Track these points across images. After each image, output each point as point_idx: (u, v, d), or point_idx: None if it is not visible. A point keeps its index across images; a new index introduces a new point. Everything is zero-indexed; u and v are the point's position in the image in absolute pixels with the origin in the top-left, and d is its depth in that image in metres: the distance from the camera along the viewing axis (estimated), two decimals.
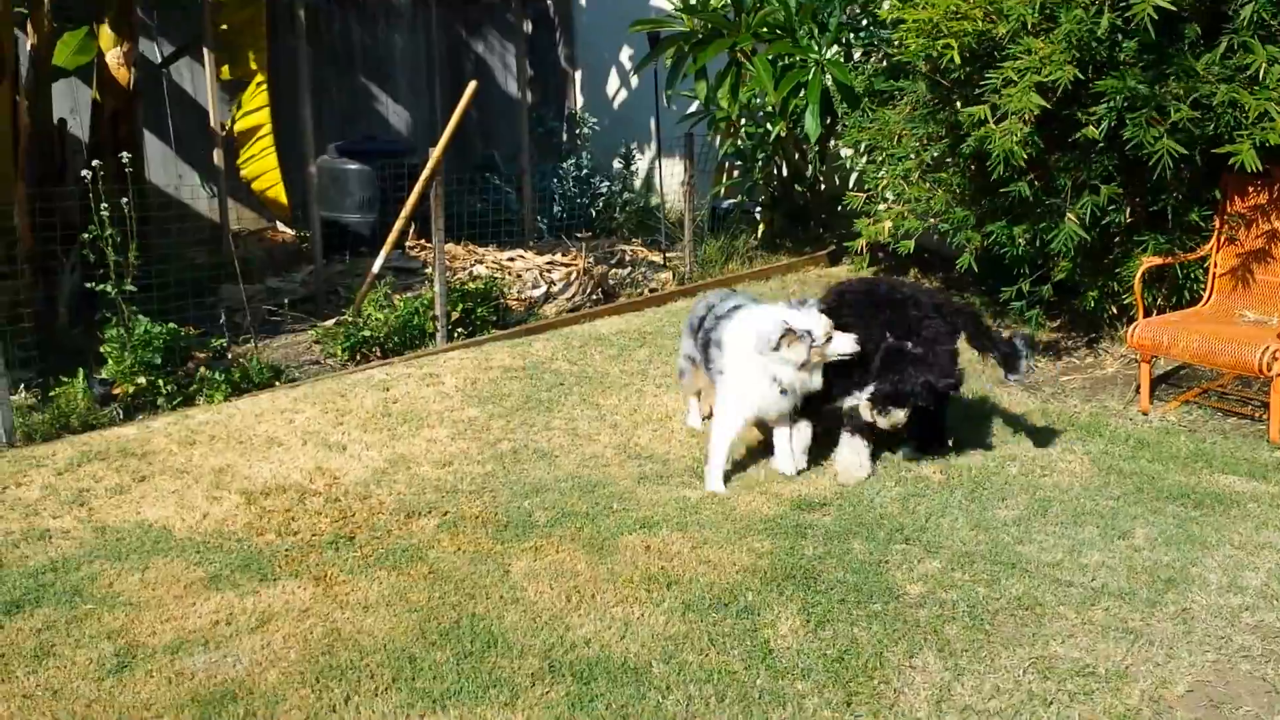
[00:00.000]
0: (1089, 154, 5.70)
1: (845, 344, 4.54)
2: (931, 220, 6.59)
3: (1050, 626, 3.59)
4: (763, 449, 5.00)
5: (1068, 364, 6.18)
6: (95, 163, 5.68)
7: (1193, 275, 5.80)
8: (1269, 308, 5.30)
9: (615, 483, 4.71)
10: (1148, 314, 5.54)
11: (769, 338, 4.46)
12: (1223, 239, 5.61)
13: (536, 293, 7.77)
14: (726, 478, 4.72)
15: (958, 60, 5.42)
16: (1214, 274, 5.63)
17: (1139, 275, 5.48)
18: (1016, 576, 3.88)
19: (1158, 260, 5.60)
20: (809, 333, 4.47)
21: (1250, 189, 5.50)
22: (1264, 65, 4.84)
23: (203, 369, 5.87)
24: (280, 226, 9.38)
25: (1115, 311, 6.24)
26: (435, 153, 6.64)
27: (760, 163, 8.80)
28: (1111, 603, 3.71)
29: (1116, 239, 6.06)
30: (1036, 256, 6.19)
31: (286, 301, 7.31)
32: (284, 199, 8.00)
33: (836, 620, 3.62)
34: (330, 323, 6.82)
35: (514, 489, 4.65)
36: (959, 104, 6.13)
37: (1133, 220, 5.99)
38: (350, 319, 6.64)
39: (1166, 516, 4.26)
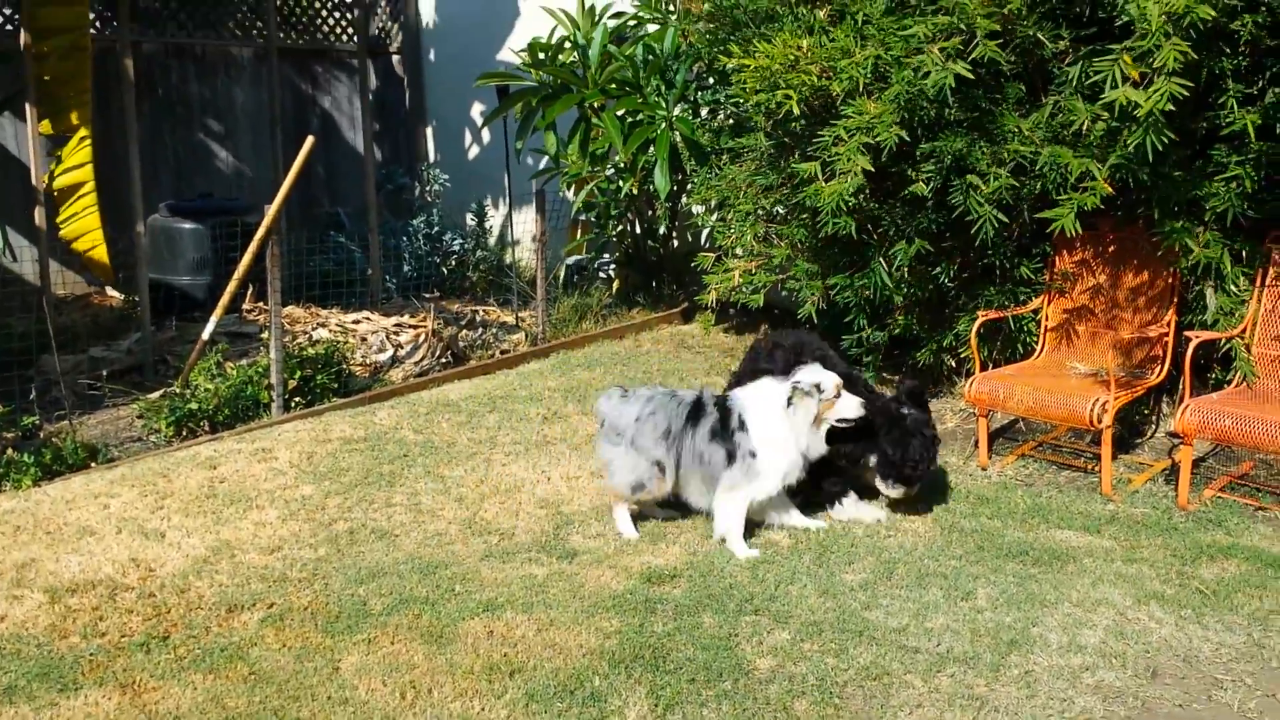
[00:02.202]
0: (918, 210, 5.84)
1: (851, 408, 4.59)
2: (778, 275, 6.64)
3: (898, 696, 3.54)
4: (612, 517, 4.88)
5: None
6: None
7: (1026, 328, 5.97)
8: (1097, 360, 5.47)
9: (459, 562, 4.51)
10: (984, 367, 5.66)
11: (782, 396, 4.55)
12: (1053, 293, 5.79)
13: (382, 357, 7.51)
14: (575, 551, 4.58)
15: (796, 111, 5.49)
16: (1045, 328, 5.80)
17: (974, 329, 5.60)
18: (864, 644, 3.83)
19: (992, 314, 5.73)
20: (817, 386, 4.53)
21: (1076, 245, 5.70)
22: (1086, 122, 5.02)
23: (9, 451, 5.43)
24: (109, 290, 8.87)
25: (953, 364, 6.37)
26: (271, 210, 6.36)
27: (613, 219, 8.77)
28: (957, 669, 3.69)
29: (952, 293, 6.21)
30: (877, 309, 6.29)
31: (105, 374, 6.86)
32: (106, 259, 7.55)
33: (685, 702, 3.50)
34: (155, 395, 6.42)
35: (348, 574, 4.39)
36: (796, 157, 6.21)
37: (967, 275, 6.15)
38: (178, 390, 6.26)
39: (1007, 575, 4.30)
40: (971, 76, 5.13)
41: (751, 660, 3.75)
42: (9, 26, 8.33)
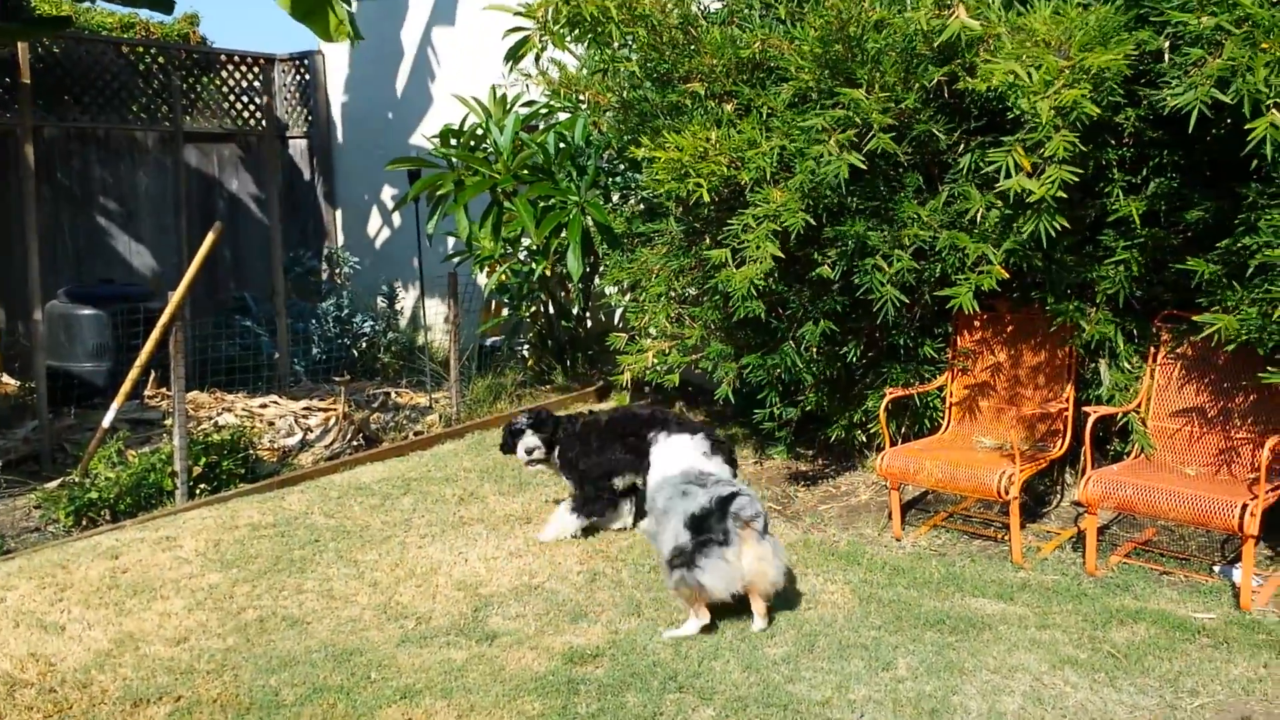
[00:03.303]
0: (824, 291, 6.01)
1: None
2: (692, 356, 6.74)
3: None
4: (532, 597, 4.83)
5: (824, 492, 6.36)
6: None
7: (932, 404, 6.14)
8: (1002, 434, 5.65)
9: (374, 649, 4.40)
10: (894, 443, 5.79)
11: None
12: (956, 371, 5.98)
13: (291, 441, 7.37)
14: (494, 633, 4.51)
15: (706, 199, 5.64)
16: (950, 403, 5.98)
17: (883, 406, 5.74)
18: (789, 719, 3.83)
19: (899, 391, 5.89)
20: None
21: (976, 324, 5.92)
22: (981, 210, 5.26)
23: None
24: (4, 378, 8.57)
25: (865, 439, 6.52)
26: (175, 296, 6.26)
27: (526, 300, 8.82)
28: None
29: (860, 371, 6.37)
30: (789, 387, 6.42)
31: (2, 463, 6.60)
32: None
33: None
34: (54, 485, 6.19)
35: (259, 664, 4.25)
36: (708, 241, 6.36)
37: (874, 354, 6.33)
38: (77, 479, 6.05)
39: (926, 644, 4.36)
40: (864, 167, 5.35)
41: None
42: None
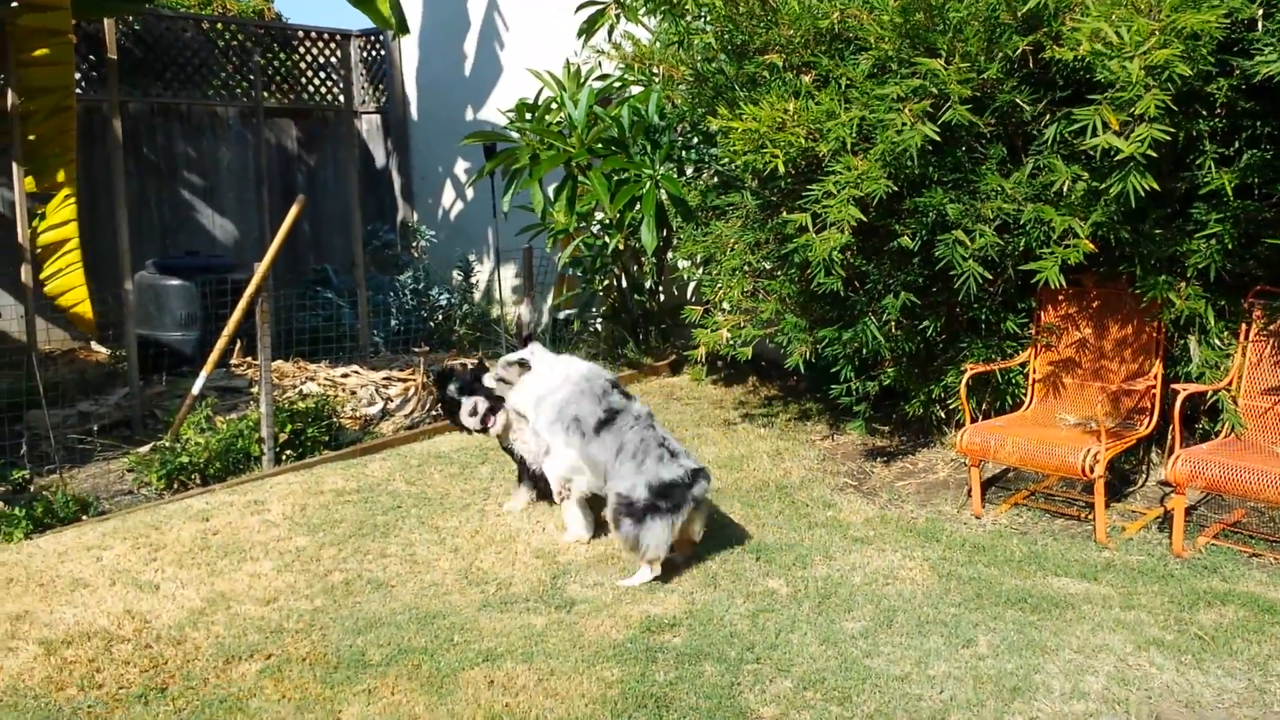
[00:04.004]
0: (904, 264, 5.95)
1: None
2: (766, 330, 6.72)
3: None
4: (608, 567, 4.88)
5: (901, 468, 6.31)
6: None
7: (1014, 380, 6.05)
8: (1086, 411, 5.55)
9: (456, 612, 4.48)
10: (974, 419, 5.72)
11: None
12: (1039, 346, 5.88)
13: (372, 410, 7.50)
14: (573, 600, 4.57)
15: (782, 170, 5.60)
16: (1033, 380, 5.89)
17: (964, 382, 5.67)
18: (868, 692, 3.84)
19: (980, 367, 5.82)
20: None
21: (1061, 299, 5.81)
22: (1067, 182, 5.15)
23: (0, 504, 5.37)
24: (95, 346, 8.84)
25: (943, 415, 6.45)
26: (261, 268, 6.40)
27: (599, 274, 8.86)
28: (961, 716, 3.70)
29: (939, 345, 6.30)
30: (866, 362, 6.37)
31: (96, 428, 6.83)
32: (90, 315, 7.54)
33: None
34: (145, 449, 6.38)
35: (345, 625, 4.36)
36: (784, 213, 6.32)
37: (954, 328, 6.25)
38: (168, 444, 6.23)
39: (1007, 622, 4.32)
40: (939, 139, 5.26)
41: (755, 709, 3.74)
42: None
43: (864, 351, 6.11)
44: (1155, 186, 4.77)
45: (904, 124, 5.22)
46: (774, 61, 6.07)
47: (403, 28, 8.56)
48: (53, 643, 4.21)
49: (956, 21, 5.41)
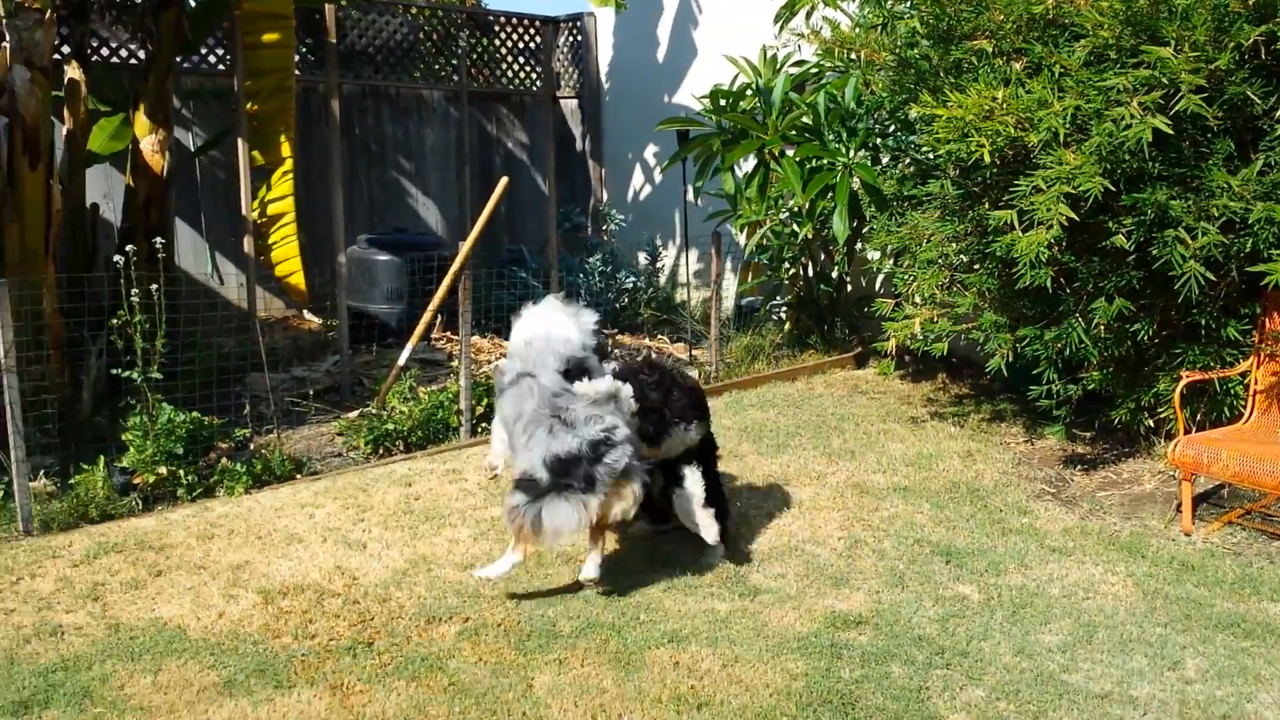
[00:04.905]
0: (1117, 264, 5.67)
1: None
2: (962, 325, 6.53)
3: None
4: (792, 558, 4.87)
5: (1104, 478, 6.04)
6: (129, 248, 5.67)
7: (1233, 391, 5.70)
8: None
9: (642, 592, 4.57)
10: (1187, 430, 5.42)
11: None
12: (1263, 355, 5.52)
13: None
14: (756, 589, 4.59)
15: (988, 160, 5.42)
16: (1254, 391, 5.53)
17: (1178, 390, 5.38)
18: (1064, 708, 3.71)
19: (1197, 375, 5.50)
20: None
21: None
22: None
23: (224, 460, 5.78)
24: (307, 315, 9.38)
25: (1153, 424, 6.13)
26: (465, 246, 6.65)
27: (786, 262, 8.80)
28: None
29: (1151, 350, 5.99)
30: (1069, 364, 6.12)
31: (312, 392, 7.26)
32: (303, 286, 8.00)
33: None
34: (354, 414, 6.75)
35: (538, 595, 4.51)
36: (987, 205, 6.13)
37: (1168, 332, 5.93)
38: (374, 411, 6.57)
39: (1217, 646, 4.10)
40: (1170, 131, 4.98)
41: (944, 715, 3.67)
42: (222, 67, 8.97)
43: (1068, 353, 5.87)
44: None
45: (1131, 117, 4.97)
46: (982, 47, 5.88)
47: (622, 2, 8.85)
48: (270, 593, 4.52)
49: (1183, 8, 5.12)
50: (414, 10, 10.46)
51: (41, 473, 5.54)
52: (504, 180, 6.97)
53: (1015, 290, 5.97)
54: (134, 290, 5.49)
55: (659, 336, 9.54)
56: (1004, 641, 4.16)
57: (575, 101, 11.69)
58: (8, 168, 5.97)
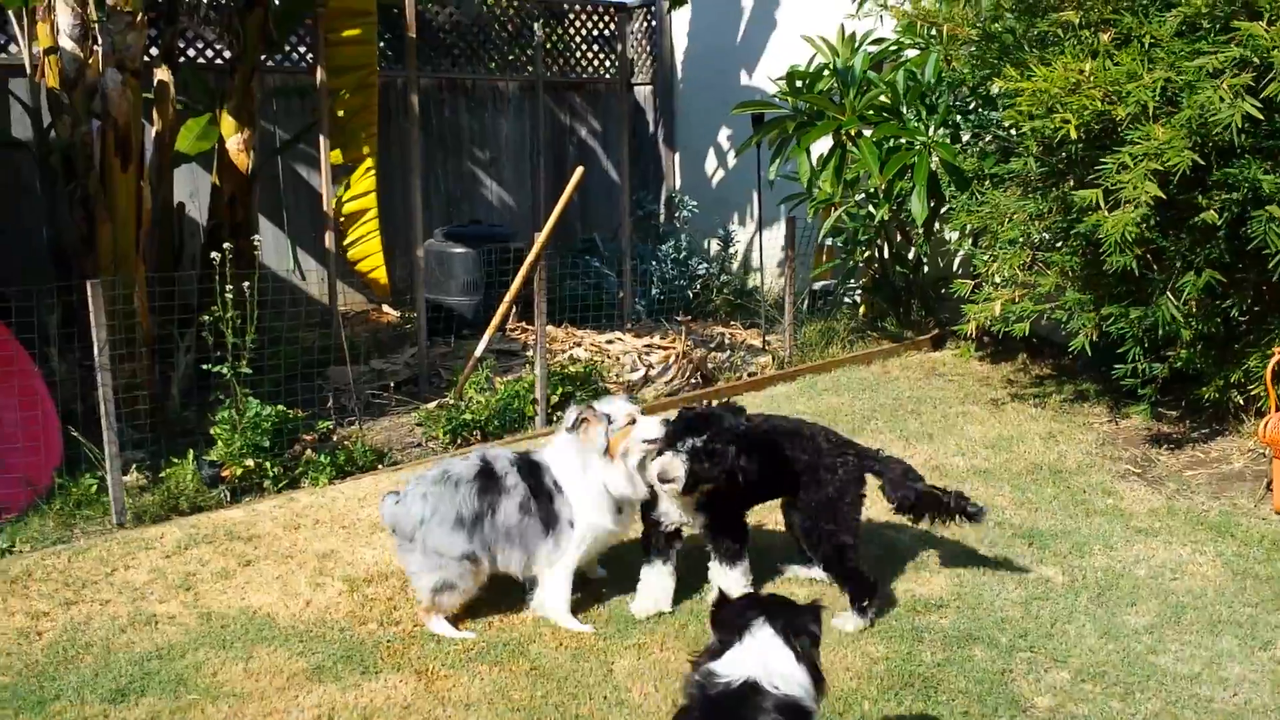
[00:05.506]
0: (1207, 239, 5.49)
1: (650, 428, 4.13)
2: (1045, 305, 6.39)
3: None
4: (869, 541, 4.83)
5: (1191, 457, 5.88)
6: (226, 245, 5.83)
7: None
8: None
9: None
10: (1278, 408, 5.25)
11: (567, 421, 4.23)
12: None
13: (635, 376, 7.73)
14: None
15: (1074, 135, 5.28)
16: None
17: (1270, 366, 5.21)
18: (1152, 690, 3.64)
19: None
20: (606, 416, 4.16)
21: None
22: None
23: (308, 451, 5.93)
24: (385, 308, 9.55)
25: (1242, 402, 5.94)
26: (541, 237, 6.70)
27: (862, 245, 8.70)
28: None
29: (1241, 327, 5.80)
30: (1155, 342, 5.95)
31: (391, 384, 7.40)
32: (385, 280, 8.15)
33: None
34: (432, 405, 6.86)
35: (616, 582, 4.54)
36: (1071, 183, 5.98)
37: (1260, 308, 5.74)
38: (452, 402, 6.67)
39: None
40: (1260, 116, 4.80)
41: (1029, 698, 3.63)
42: (304, 64, 9.14)
43: (1158, 332, 5.69)
44: None
45: (1220, 100, 4.80)
46: (1069, 19, 5.72)
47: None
48: (355, 580, 4.63)
49: None
50: (489, 1, 10.56)
51: (133, 467, 5.73)
52: (579, 170, 7.01)
53: (1099, 268, 5.82)
54: (227, 287, 5.63)
55: (732, 323, 9.51)
56: (1089, 624, 4.08)
57: (649, 88, 11.69)
58: (100, 169, 6.19)
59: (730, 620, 2.65)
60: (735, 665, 2.53)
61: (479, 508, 4.14)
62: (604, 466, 4.15)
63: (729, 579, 4.19)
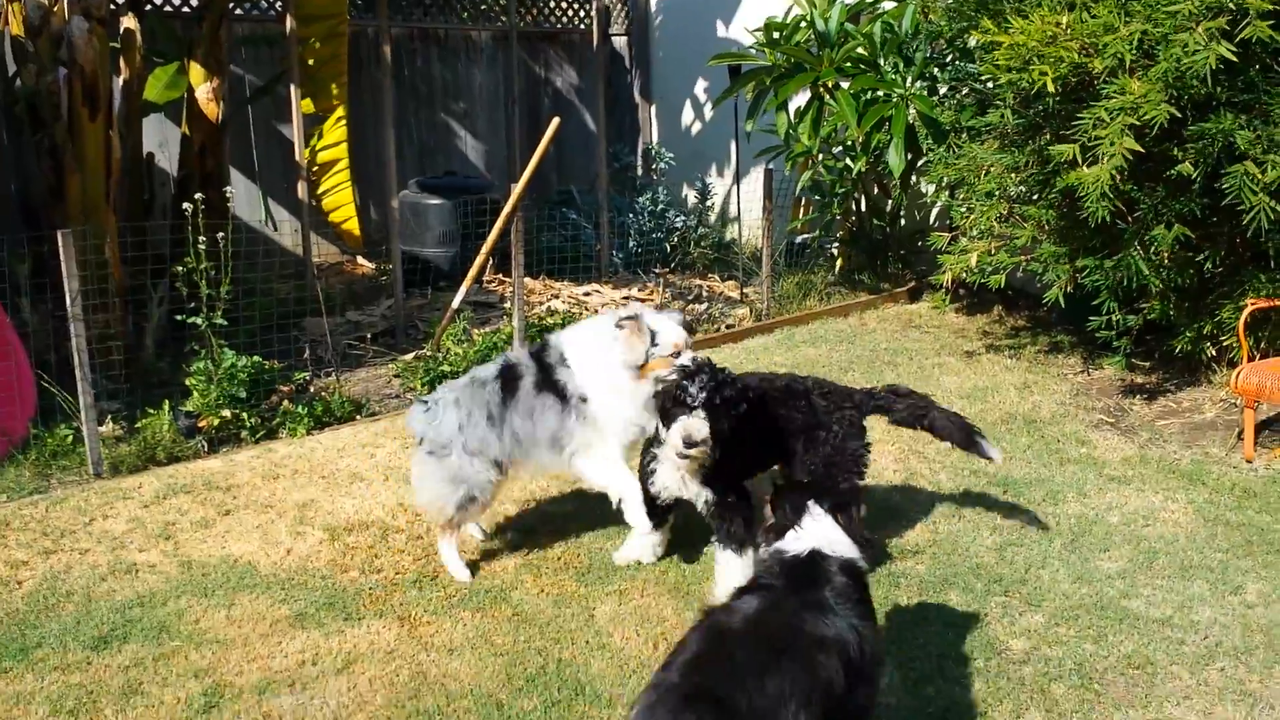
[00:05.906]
0: (1181, 191, 5.53)
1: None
2: (1020, 257, 6.43)
3: (1164, 687, 3.42)
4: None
5: (1164, 407, 5.96)
6: (198, 196, 5.75)
7: None
8: None
9: (695, 528, 4.60)
10: (1250, 358, 5.32)
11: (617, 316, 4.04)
12: None
13: None
14: None
15: (1051, 89, 5.29)
16: None
17: (1243, 318, 5.28)
18: (1125, 632, 3.71)
19: (1263, 303, 5.39)
20: (653, 334, 3.95)
21: None
22: None
23: (285, 403, 5.90)
24: (360, 260, 9.47)
25: (1214, 353, 6.03)
26: (517, 189, 6.65)
27: (839, 198, 8.70)
28: (1227, 662, 3.53)
29: (1215, 279, 5.86)
30: (1130, 294, 6.01)
31: (369, 335, 7.36)
32: (357, 231, 8.07)
33: (937, 678, 3.48)
34: (410, 357, 6.84)
35: (595, 530, 4.57)
36: (1049, 136, 5.99)
37: (1233, 260, 5.80)
38: (430, 353, 6.65)
39: (1279, 571, 4.06)
40: (1235, 59, 4.82)
41: (1004, 641, 3.69)
42: (273, 12, 8.97)
43: (1130, 283, 5.76)
44: None
45: (1196, 44, 4.81)
46: None
47: None
48: (335, 529, 4.63)
49: None
50: None
51: (109, 417, 5.69)
52: (555, 121, 6.95)
53: (1076, 220, 5.85)
54: (200, 238, 5.56)
55: (710, 275, 9.50)
56: (1063, 569, 4.15)
57: (624, 39, 11.57)
58: (68, 119, 6.07)
59: (789, 504, 3.12)
60: (799, 541, 3.00)
61: (503, 398, 4.09)
62: (630, 380, 3.94)
63: (732, 568, 3.88)
